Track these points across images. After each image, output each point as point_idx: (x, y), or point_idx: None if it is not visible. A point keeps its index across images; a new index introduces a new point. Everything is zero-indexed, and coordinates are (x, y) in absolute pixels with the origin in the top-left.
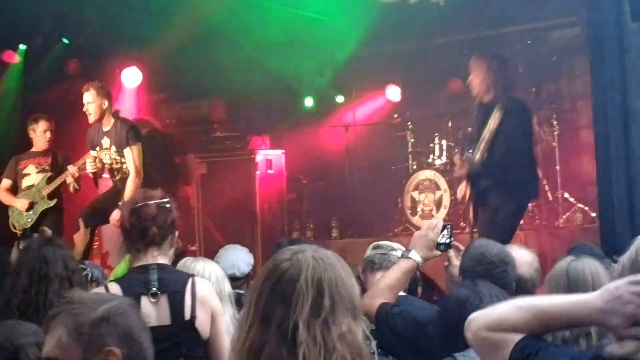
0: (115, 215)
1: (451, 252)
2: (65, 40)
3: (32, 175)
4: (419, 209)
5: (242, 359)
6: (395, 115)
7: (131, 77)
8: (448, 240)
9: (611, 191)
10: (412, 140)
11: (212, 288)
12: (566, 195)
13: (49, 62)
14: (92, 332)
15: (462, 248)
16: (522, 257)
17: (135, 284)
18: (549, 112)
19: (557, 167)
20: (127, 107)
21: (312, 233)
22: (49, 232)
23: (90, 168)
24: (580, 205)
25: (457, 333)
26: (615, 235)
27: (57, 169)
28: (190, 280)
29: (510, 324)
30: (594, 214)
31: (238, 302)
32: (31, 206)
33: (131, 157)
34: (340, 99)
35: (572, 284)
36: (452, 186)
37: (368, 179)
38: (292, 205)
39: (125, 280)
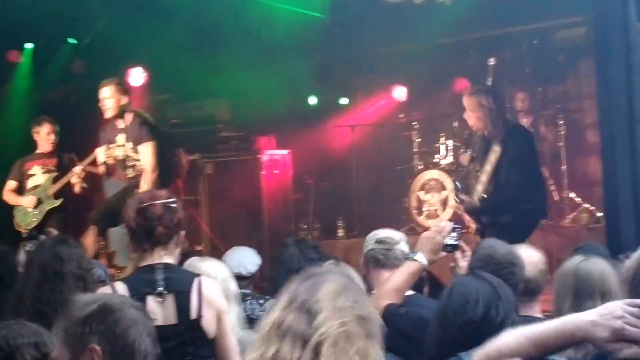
0: None
1: (458, 254)
2: (71, 40)
3: (38, 176)
4: (424, 209)
5: None
6: (401, 115)
7: (136, 76)
8: (456, 242)
9: (617, 191)
10: (418, 140)
11: (218, 287)
12: (572, 195)
13: (57, 62)
14: (77, 331)
15: (468, 249)
16: (528, 257)
17: (142, 283)
18: (554, 112)
19: (563, 167)
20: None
21: (318, 233)
22: (55, 233)
23: (102, 159)
24: (586, 205)
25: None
26: (621, 235)
27: (63, 170)
28: (196, 279)
29: (509, 350)
30: (599, 214)
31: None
32: (37, 205)
33: (147, 153)
34: (344, 100)
35: (579, 284)
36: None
37: (374, 179)
38: (298, 205)
39: (132, 280)
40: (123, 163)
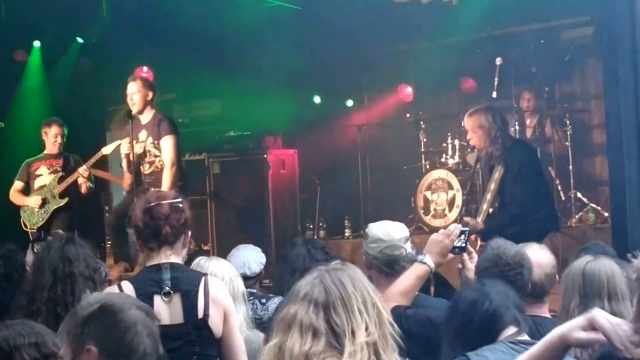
0: None
1: (465, 256)
2: (79, 40)
3: (45, 176)
4: (431, 209)
5: None
6: (408, 115)
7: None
8: (464, 245)
9: (623, 191)
10: (425, 139)
11: (224, 287)
12: (579, 195)
13: (64, 62)
14: (77, 331)
15: (475, 253)
16: (537, 258)
17: (148, 283)
18: (561, 111)
19: (570, 167)
20: None
21: (325, 232)
22: (62, 234)
23: (125, 150)
24: (593, 205)
25: (468, 333)
26: (627, 235)
27: (69, 170)
28: (203, 279)
29: None
30: (606, 214)
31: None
32: (43, 204)
33: (168, 147)
34: (350, 103)
35: (587, 285)
36: (465, 186)
37: (381, 179)
38: (304, 204)
39: (138, 279)
40: (142, 159)
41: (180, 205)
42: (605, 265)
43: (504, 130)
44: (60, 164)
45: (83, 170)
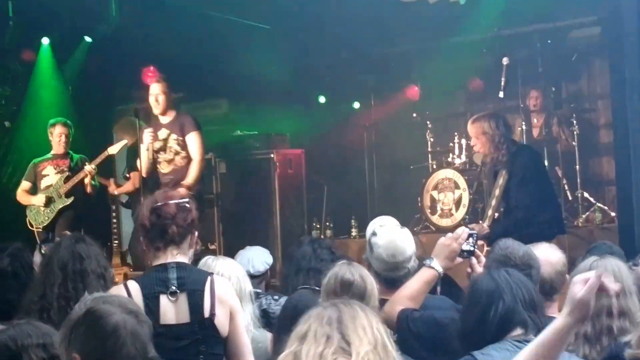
0: None
1: (473, 259)
2: (87, 39)
3: (51, 176)
4: (438, 208)
5: None
6: (415, 115)
7: (150, 75)
8: (472, 248)
9: (630, 191)
10: (432, 139)
11: (230, 286)
12: (586, 194)
13: (73, 60)
14: (65, 338)
15: (483, 257)
16: (546, 257)
17: (155, 282)
18: (568, 111)
19: (577, 167)
20: None
21: (332, 232)
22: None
23: (148, 140)
24: (600, 205)
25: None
26: (634, 235)
27: (75, 170)
28: (209, 278)
29: None
30: (613, 214)
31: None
32: (49, 203)
33: (195, 143)
34: (356, 105)
35: None
36: (471, 185)
37: (387, 178)
38: (311, 204)
39: (145, 279)
40: (158, 157)
41: (187, 205)
42: (613, 265)
43: (507, 136)
44: (66, 164)
45: (89, 169)
